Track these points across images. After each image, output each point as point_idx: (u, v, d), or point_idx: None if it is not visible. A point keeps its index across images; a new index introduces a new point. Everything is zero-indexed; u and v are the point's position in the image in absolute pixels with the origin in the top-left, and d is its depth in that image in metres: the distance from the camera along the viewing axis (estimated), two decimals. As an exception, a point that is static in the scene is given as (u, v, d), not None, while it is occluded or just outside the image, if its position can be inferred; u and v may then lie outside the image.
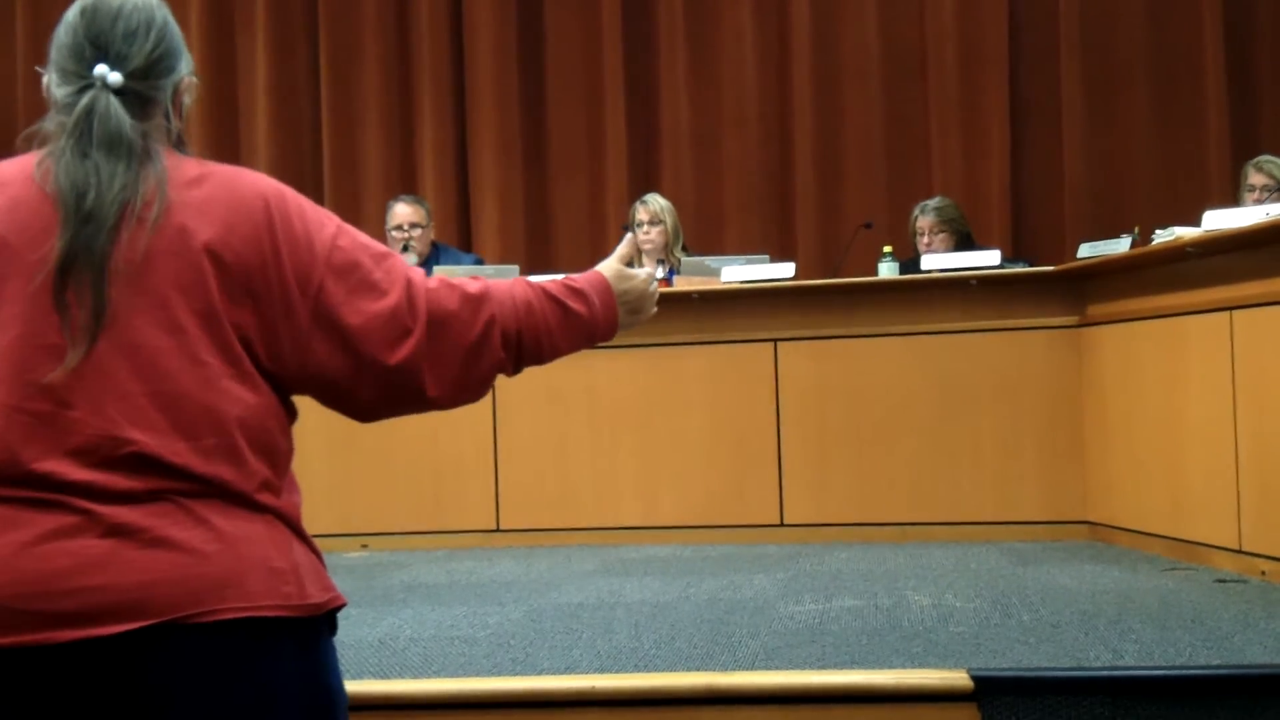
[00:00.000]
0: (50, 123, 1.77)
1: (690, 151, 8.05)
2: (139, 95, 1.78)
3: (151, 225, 1.69)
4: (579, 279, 1.99)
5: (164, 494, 1.67)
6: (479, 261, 6.87)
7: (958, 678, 3.08)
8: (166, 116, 1.83)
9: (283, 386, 1.81)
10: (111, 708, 1.65)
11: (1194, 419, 4.78)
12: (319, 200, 8.24)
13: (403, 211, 6.75)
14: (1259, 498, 4.43)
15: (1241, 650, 3.34)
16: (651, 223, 6.63)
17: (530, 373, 6.41)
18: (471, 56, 8.22)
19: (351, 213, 8.20)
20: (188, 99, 1.88)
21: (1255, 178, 6.09)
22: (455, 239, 7.93)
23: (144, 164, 1.73)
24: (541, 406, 5.95)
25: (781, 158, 8.01)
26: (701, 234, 7.70)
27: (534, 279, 1.96)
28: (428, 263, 6.61)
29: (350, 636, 3.89)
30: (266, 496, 1.75)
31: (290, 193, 1.81)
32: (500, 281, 1.90)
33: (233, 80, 8.44)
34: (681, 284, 6.08)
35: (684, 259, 6.50)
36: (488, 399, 5.91)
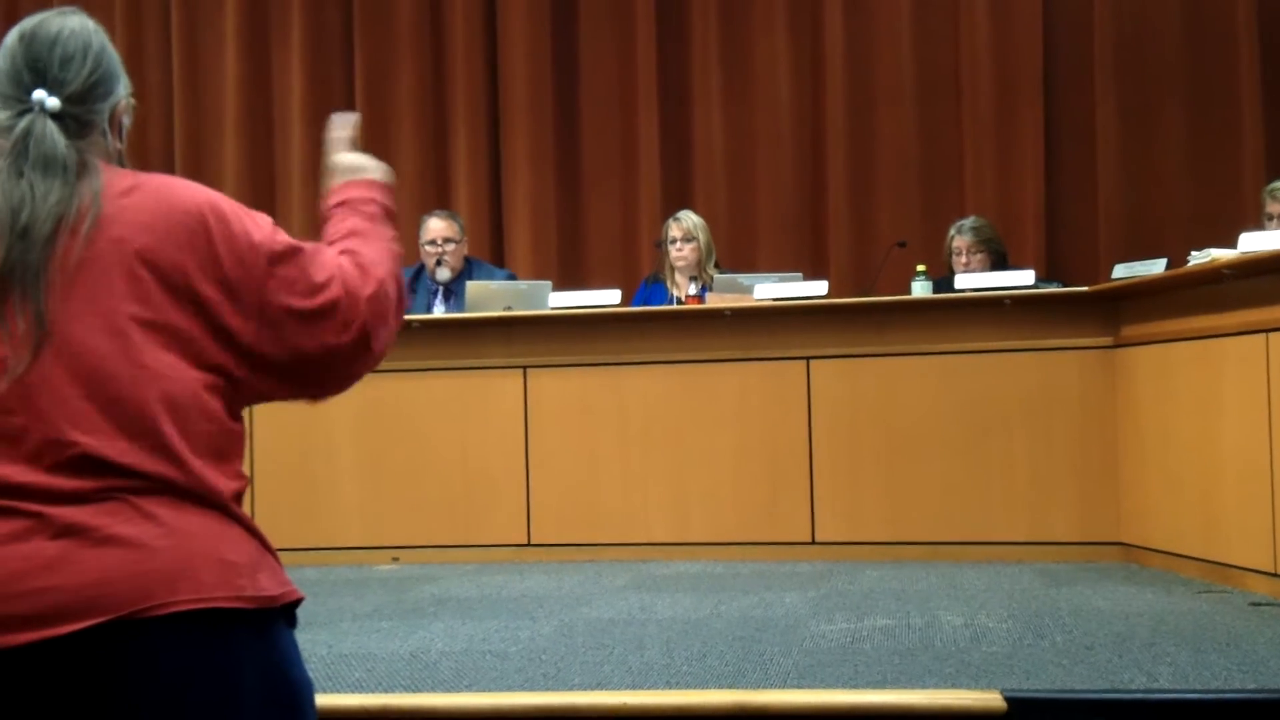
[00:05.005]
0: None
1: (723, 168, 8.06)
2: (76, 118, 1.85)
3: (85, 235, 1.75)
4: (360, 199, 2.03)
5: (113, 492, 1.71)
6: (511, 277, 6.89)
7: (991, 698, 3.07)
8: (105, 135, 1.89)
9: (242, 383, 1.85)
10: (75, 707, 1.69)
11: (1229, 441, 4.75)
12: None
13: (436, 226, 6.78)
14: (1295, 521, 4.40)
15: (1277, 675, 3.32)
16: (684, 239, 6.64)
17: (562, 388, 6.40)
18: (506, 74, 8.25)
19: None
20: (126, 120, 1.95)
21: (1272, 206, 6.05)
22: (488, 254, 7.95)
23: (79, 180, 1.79)
24: (573, 421, 5.96)
25: (815, 176, 8.00)
26: (734, 251, 7.70)
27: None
28: (461, 277, 6.64)
29: (382, 649, 3.90)
30: (215, 492, 1.78)
31: (223, 198, 1.87)
32: (366, 247, 1.95)
33: (268, 97, 8.49)
34: (714, 301, 6.08)
35: (716, 276, 6.50)
36: (520, 412, 5.96)
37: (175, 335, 1.77)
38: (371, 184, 2.02)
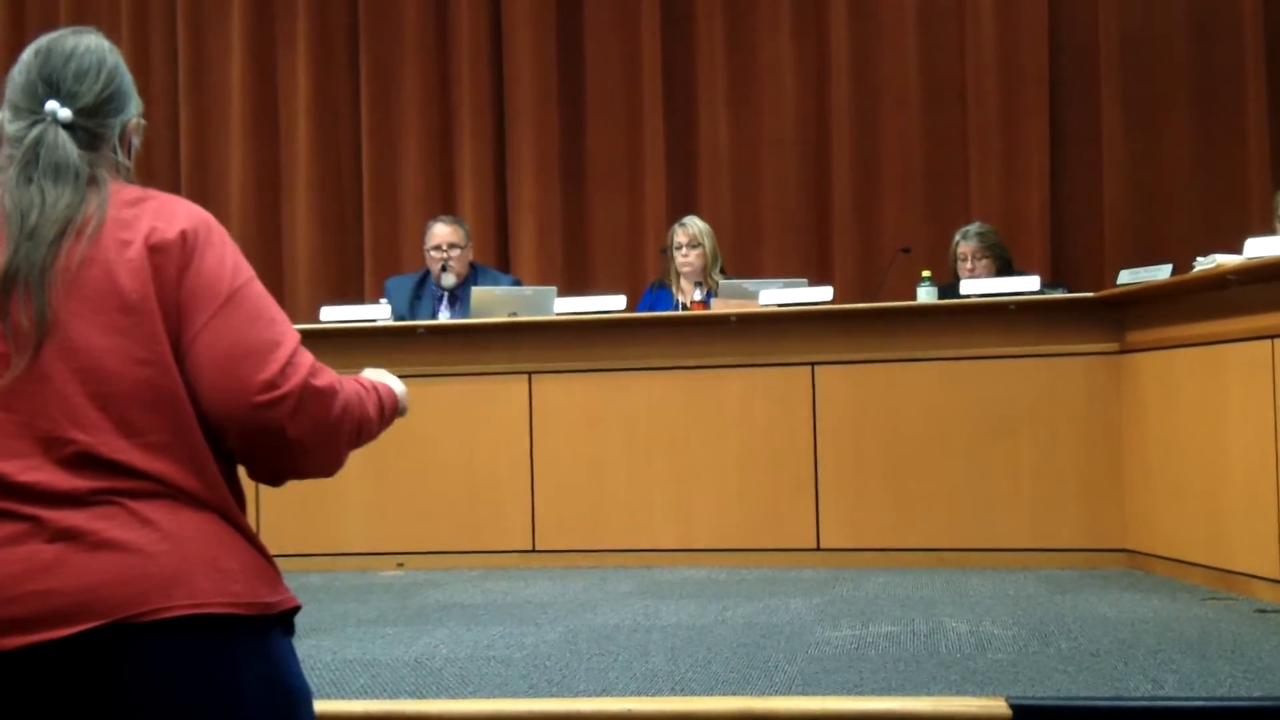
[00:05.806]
0: (2, 156, 1.86)
1: (729, 174, 8.06)
2: (88, 131, 1.88)
3: (89, 237, 1.77)
4: (368, 385, 1.98)
5: (109, 494, 1.72)
6: (517, 283, 6.88)
7: (996, 705, 3.07)
8: (115, 151, 1.92)
9: None
10: (70, 711, 1.70)
11: (1234, 447, 4.74)
12: (358, 223, 8.33)
13: (441, 232, 6.78)
14: (1301, 527, 4.39)
15: (1283, 682, 3.32)
16: (690, 245, 6.64)
17: (567, 394, 6.38)
18: (511, 79, 8.26)
19: (390, 233, 8.25)
20: (136, 140, 1.97)
21: None
22: (493, 260, 7.95)
23: (88, 188, 1.82)
24: (578, 428, 5.96)
25: (820, 181, 8.00)
26: (739, 256, 7.70)
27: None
28: (466, 283, 6.64)
29: (386, 655, 3.90)
30: (214, 493, 1.79)
31: (219, 228, 1.87)
32: (349, 383, 1.91)
33: (274, 102, 8.50)
34: (719, 307, 6.08)
35: (721, 281, 6.50)
36: (525, 418, 5.96)
37: (172, 336, 1.79)
38: (386, 387, 2.01)
